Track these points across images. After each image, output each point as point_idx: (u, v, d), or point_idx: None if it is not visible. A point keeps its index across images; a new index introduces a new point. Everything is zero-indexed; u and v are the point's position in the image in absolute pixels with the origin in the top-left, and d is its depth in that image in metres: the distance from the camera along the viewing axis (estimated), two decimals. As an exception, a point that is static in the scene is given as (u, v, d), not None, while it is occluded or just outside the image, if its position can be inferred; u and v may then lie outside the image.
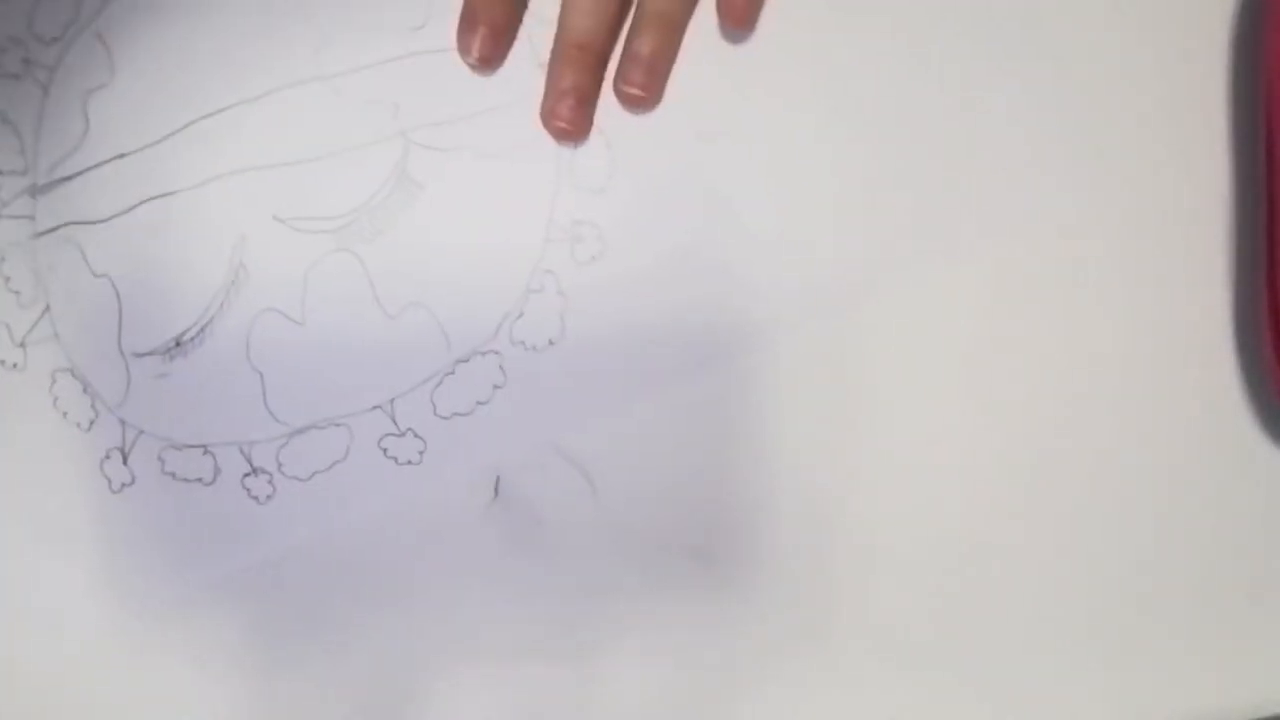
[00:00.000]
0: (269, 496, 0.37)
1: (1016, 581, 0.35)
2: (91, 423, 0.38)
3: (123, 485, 0.37)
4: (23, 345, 0.38)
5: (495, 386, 0.36)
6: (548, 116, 0.35)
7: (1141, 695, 0.35)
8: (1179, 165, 0.35)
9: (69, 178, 0.38)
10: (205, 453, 0.37)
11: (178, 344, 0.37)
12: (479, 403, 0.36)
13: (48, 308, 0.38)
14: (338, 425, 0.36)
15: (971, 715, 0.35)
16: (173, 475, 0.37)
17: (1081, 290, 0.35)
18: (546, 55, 0.36)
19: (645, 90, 0.35)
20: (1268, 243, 0.34)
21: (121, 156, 0.38)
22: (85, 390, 0.38)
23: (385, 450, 0.36)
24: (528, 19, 0.36)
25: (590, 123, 0.36)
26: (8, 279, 0.38)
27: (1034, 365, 0.35)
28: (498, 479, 0.36)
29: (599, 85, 0.36)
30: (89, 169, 0.37)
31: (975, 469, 0.35)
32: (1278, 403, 0.34)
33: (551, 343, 0.35)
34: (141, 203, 0.37)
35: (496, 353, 0.36)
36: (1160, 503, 0.35)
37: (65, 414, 0.38)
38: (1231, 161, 0.35)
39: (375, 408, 0.36)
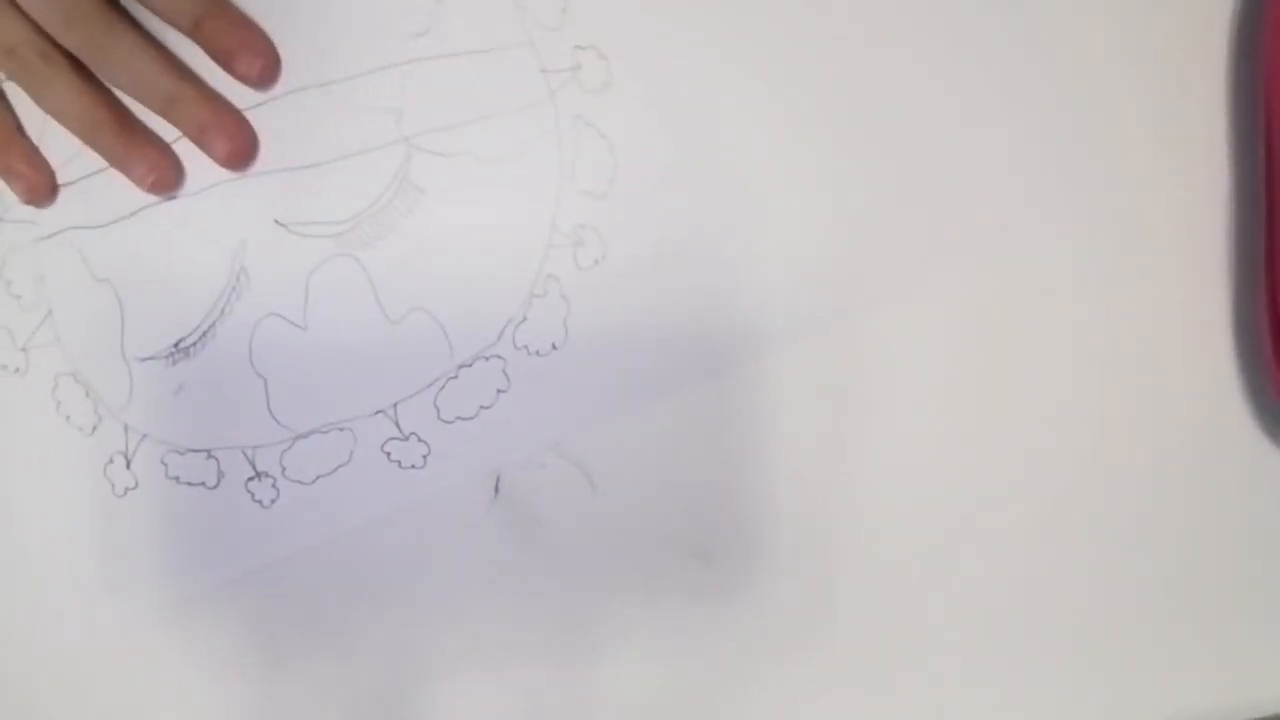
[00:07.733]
0: (273, 500, 0.37)
1: (1016, 582, 0.35)
2: (95, 427, 0.38)
3: (126, 489, 0.37)
4: (25, 350, 0.38)
5: (498, 391, 0.36)
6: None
7: (1141, 695, 0.35)
8: (1179, 166, 0.35)
9: (72, 182, 0.38)
10: (209, 457, 0.37)
11: (180, 349, 0.37)
12: (482, 407, 0.36)
13: (50, 312, 0.38)
14: (341, 429, 0.36)
15: (971, 715, 0.36)
16: (176, 479, 0.37)
17: (1081, 291, 0.35)
18: (550, 62, 0.36)
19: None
20: (1267, 243, 0.34)
21: (124, 161, 0.38)
22: (88, 395, 0.38)
23: (389, 454, 0.36)
24: (529, 25, 0.36)
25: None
26: (10, 283, 0.38)
27: (1034, 366, 0.35)
28: (498, 478, 0.36)
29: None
30: (92, 174, 0.37)
31: (975, 470, 0.35)
32: (1277, 402, 0.35)
33: (554, 347, 0.35)
34: (144, 208, 0.37)
35: (500, 357, 0.36)
36: (1160, 503, 0.35)
37: (68, 418, 0.38)
38: (1231, 162, 0.35)
39: (378, 412, 0.36)
